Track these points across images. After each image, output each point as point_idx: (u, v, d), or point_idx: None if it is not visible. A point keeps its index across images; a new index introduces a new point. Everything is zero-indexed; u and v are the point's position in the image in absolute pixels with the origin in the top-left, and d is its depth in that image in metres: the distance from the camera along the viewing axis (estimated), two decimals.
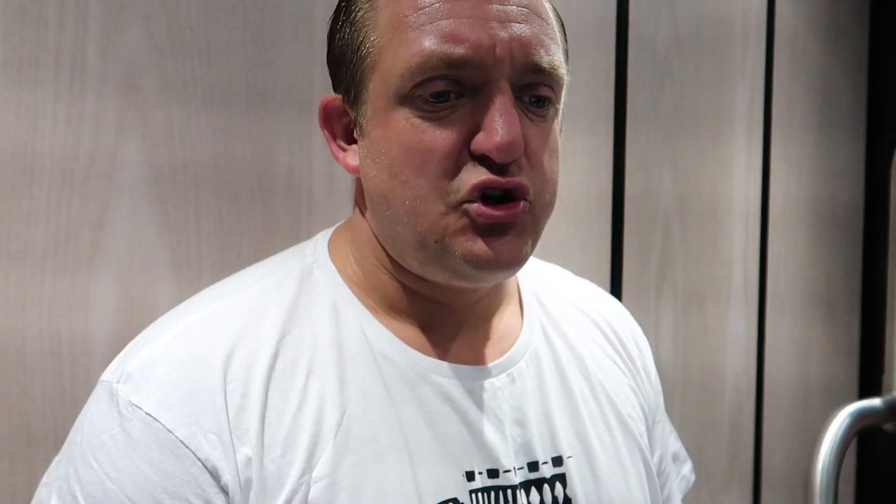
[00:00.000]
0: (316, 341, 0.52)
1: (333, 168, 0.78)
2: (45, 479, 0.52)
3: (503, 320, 0.58)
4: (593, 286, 0.69)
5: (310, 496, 0.48)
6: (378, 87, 0.48)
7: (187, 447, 0.47)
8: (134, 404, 0.48)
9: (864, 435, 1.00)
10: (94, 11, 0.65)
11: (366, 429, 0.50)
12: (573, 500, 0.54)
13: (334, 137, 0.53)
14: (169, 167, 0.69)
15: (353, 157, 0.52)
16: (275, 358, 0.50)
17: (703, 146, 1.15)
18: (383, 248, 0.54)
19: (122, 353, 0.53)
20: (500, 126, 0.45)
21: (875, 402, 1.02)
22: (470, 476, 0.51)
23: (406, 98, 0.47)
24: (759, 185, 1.23)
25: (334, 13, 0.53)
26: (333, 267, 0.55)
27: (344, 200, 0.80)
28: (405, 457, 0.50)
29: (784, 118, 1.26)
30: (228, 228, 0.72)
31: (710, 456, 1.17)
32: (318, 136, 0.77)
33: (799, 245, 1.31)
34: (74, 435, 0.51)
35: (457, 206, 0.48)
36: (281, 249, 0.62)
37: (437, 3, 0.46)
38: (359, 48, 0.49)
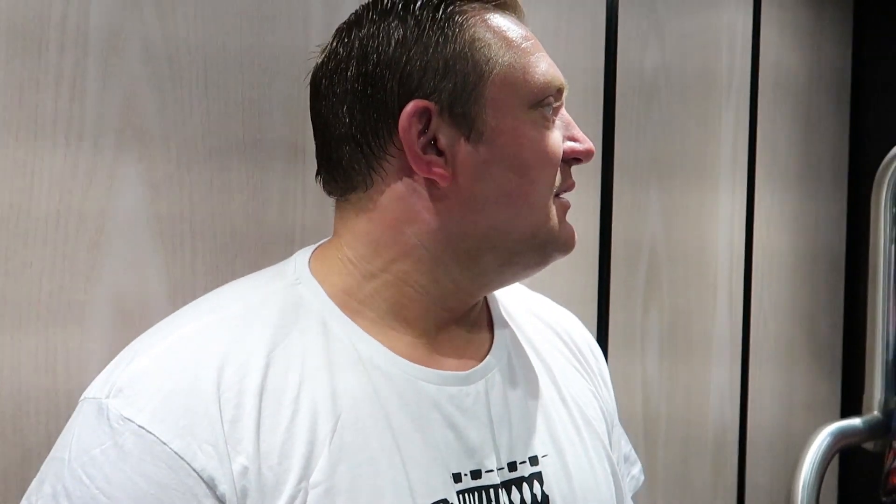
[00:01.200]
0: (305, 354, 0.53)
1: (325, 212, 0.77)
2: (28, 498, 0.51)
3: (480, 329, 0.61)
4: (546, 298, 0.72)
5: (308, 501, 0.49)
6: (505, 97, 0.53)
7: (182, 458, 0.48)
8: (126, 418, 0.49)
9: (846, 453, 1.02)
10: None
11: (359, 435, 0.51)
12: (550, 497, 0.56)
13: (411, 146, 0.53)
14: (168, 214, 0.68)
15: (436, 166, 0.53)
16: (266, 369, 0.51)
17: (690, 193, 1.16)
18: (426, 257, 0.55)
19: (105, 371, 0.53)
20: (583, 137, 0.57)
21: (855, 421, 1.04)
22: (457, 477, 0.53)
23: (534, 108, 0.54)
24: (742, 235, 1.25)
25: (398, 21, 0.53)
26: (318, 284, 0.56)
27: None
28: (398, 460, 0.52)
29: (767, 169, 1.29)
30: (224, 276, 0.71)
31: (694, 475, 1.18)
32: (311, 183, 0.75)
33: (782, 292, 1.33)
34: (59, 453, 0.51)
35: (555, 198, 0.57)
36: None
37: (528, 38, 0.56)
38: (473, 60, 0.53)
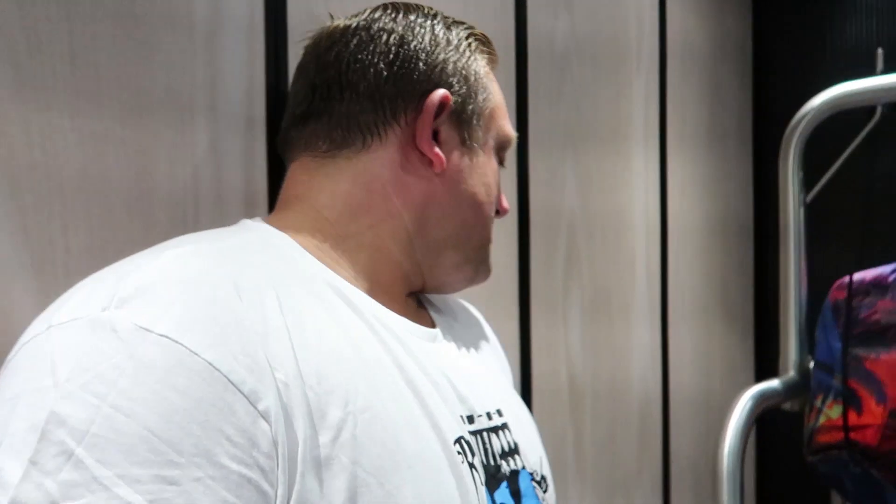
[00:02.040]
0: (303, 292, 0.49)
1: (222, 174, 0.70)
2: None
3: (419, 307, 0.63)
4: None
5: (356, 431, 0.44)
6: (490, 129, 0.61)
7: (218, 370, 0.40)
8: (142, 327, 0.40)
9: (762, 415, 1.03)
10: None
11: (379, 370, 0.49)
12: (518, 445, 0.59)
13: (426, 125, 0.57)
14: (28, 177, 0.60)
15: (436, 150, 0.57)
16: (276, 292, 0.46)
17: (604, 162, 1.16)
18: (402, 229, 0.57)
19: (76, 296, 0.43)
20: (504, 199, 0.65)
21: (774, 383, 1.04)
22: (462, 419, 0.54)
23: (497, 152, 0.63)
24: (657, 201, 1.26)
25: (443, 26, 0.60)
26: (290, 239, 0.53)
27: (235, 208, 0.72)
28: (413, 395, 0.50)
29: (678, 136, 1.30)
30: (101, 244, 0.63)
31: (620, 436, 1.17)
32: (203, 141, 0.70)
33: (695, 254, 1.35)
34: (32, 384, 0.39)
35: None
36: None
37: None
38: (483, 87, 0.60)
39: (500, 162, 0.63)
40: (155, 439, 0.37)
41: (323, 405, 0.44)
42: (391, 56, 0.56)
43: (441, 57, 0.58)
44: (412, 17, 0.59)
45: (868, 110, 1.17)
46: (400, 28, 0.58)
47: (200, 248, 0.47)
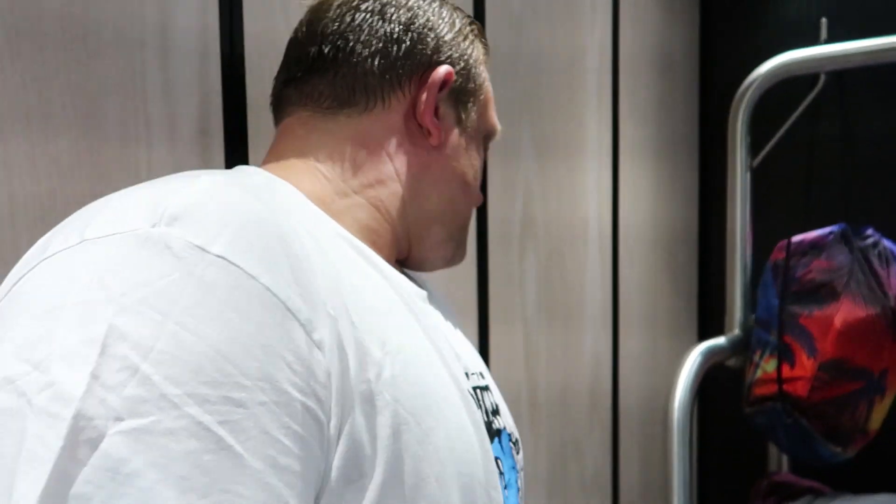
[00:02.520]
0: (318, 238, 0.48)
1: (175, 109, 0.70)
2: (19, 380, 0.35)
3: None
4: None
5: (394, 370, 0.45)
6: (480, 116, 0.62)
7: (276, 296, 0.39)
8: (197, 246, 0.38)
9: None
10: None
11: (400, 315, 0.50)
12: (498, 406, 0.60)
13: (430, 96, 0.58)
14: None
15: (438, 125, 0.59)
16: (302, 235, 0.45)
17: (560, 173, 1.18)
18: (398, 194, 0.58)
19: (116, 210, 0.41)
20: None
21: (720, 340, 1.10)
22: (465, 375, 0.55)
23: (483, 140, 0.64)
24: (609, 210, 1.29)
25: (448, 9, 0.61)
26: (293, 186, 0.52)
27: (190, 145, 0.72)
28: (431, 345, 0.51)
29: (628, 69, 1.33)
30: (46, 176, 0.62)
31: (572, 405, 1.22)
32: (153, 76, 0.68)
33: (643, 188, 1.39)
34: (76, 294, 0.37)
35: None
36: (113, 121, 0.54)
37: None
38: (480, 71, 0.62)
39: (485, 151, 0.65)
40: (222, 360, 0.36)
41: (366, 343, 0.44)
42: (402, 26, 0.58)
43: (448, 37, 0.59)
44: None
45: (812, 78, 1.22)
46: (411, 2, 0.59)
47: (232, 181, 0.45)
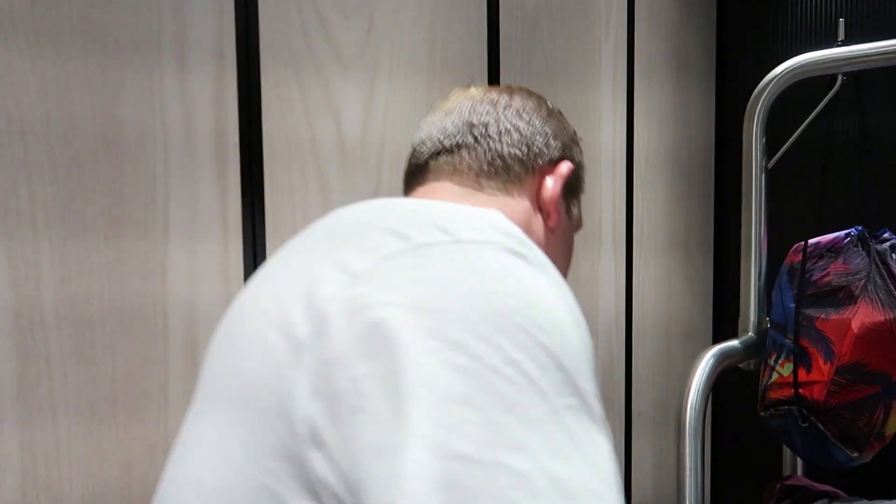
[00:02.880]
0: None
1: (192, 118, 0.70)
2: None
3: None
4: None
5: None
6: (578, 211, 0.71)
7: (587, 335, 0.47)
8: (553, 273, 0.47)
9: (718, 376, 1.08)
10: None
11: None
12: None
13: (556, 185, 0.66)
14: None
15: (559, 209, 0.67)
16: None
17: (573, 98, 1.17)
18: None
19: (466, 222, 0.48)
20: None
21: (734, 343, 1.09)
22: None
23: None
24: (624, 135, 1.28)
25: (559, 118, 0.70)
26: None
27: (206, 157, 0.72)
28: None
29: (645, 72, 1.32)
30: (69, 194, 0.63)
31: None
32: (171, 81, 0.69)
33: (659, 192, 1.38)
34: (494, 285, 0.43)
35: None
36: (135, 215, 0.54)
37: None
38: (583, 174, 0.72)
39: None
40: (591, 362, 0.44)
41: None
42: (541, 120, 0.67)
43: (567, 140, 0.69)
44: (549, 105, 0.71)
45: (829, 79, 1.20)
46: (545, 106, 0.70)
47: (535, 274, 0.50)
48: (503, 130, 0.65)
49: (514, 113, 0.67)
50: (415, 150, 0.68)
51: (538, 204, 0.65)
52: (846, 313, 0.98)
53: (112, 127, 0.68)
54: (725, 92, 1.50)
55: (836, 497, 1.08)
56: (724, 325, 1.50)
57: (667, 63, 1.39)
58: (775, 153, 1.19)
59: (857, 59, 1.09)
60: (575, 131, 0.72)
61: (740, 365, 1.11)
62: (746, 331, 1.12)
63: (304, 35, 0.84)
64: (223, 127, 0.76)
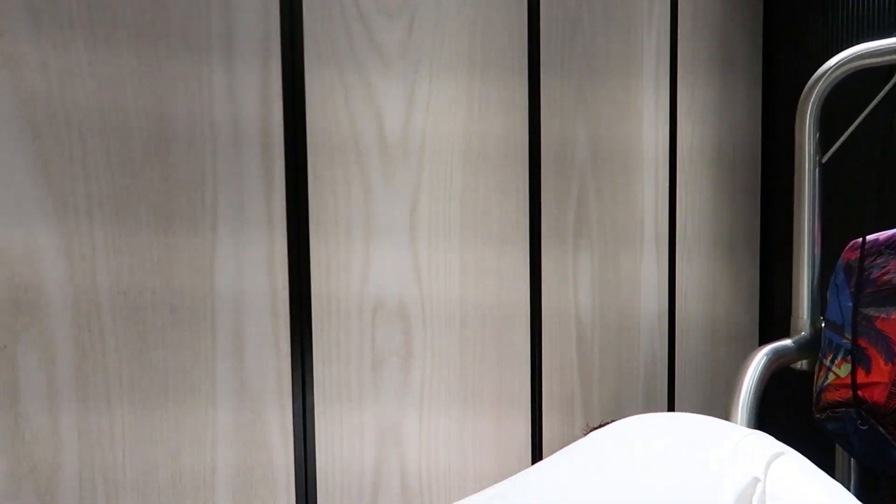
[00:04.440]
0: None
1: (239, 115, 0.71)
2: None
3: None
4: None
5: None
6: None
7: None
8: None
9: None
10: None
11: None
12: None
13: None
14: (48, 121, 0.60)
15: None
16: None
17: (615, 95, 1.16)
18: None
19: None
20: None
21: (787, 342, 1.06)
22: None
23: None
24: (667, 132, 1.25)
25: None
26: None
27: (253, 154, 0.73)
28: None
29: (688, 67, 1.29)
30: (123, 191, 0.64)
31: (626, 399, 1.19)
32: (219, 80, 0.70)
33: (704, 190, 1.35)
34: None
35: None
36: (185, 212, 0.54)
37: None
38: None
39: None
40: None
41: None
42: None
43: None
44: None
45: (887, 70, 1.16)
46: None
47: None
48: None
49: None
50: None
51: None
52: None
53: (163, 125, 0.69)
54: (773, 86, 1.46)
55: None
56: (770, 326, 1.46)
57: (711, 58, 1.36)
58: (828, 147, 1.15)
59: None
60: None
61: (793, 365, 1.08)
62: (799, 330, 1.09)
63: (347, 34, 0.84)
64: (268, 125, 0.77)
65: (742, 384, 0.94)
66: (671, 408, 1.29)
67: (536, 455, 1.05)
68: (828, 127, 1.15)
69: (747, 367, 0.97)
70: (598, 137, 1.14)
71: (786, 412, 1.44)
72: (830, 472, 1.28)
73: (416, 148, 0.92)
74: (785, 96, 1.27)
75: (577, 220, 1.11)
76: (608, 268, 1.16)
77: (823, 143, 1.14)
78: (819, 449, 1.30)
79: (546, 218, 1.06)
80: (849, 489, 1.02)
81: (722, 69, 1.38)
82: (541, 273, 1.05)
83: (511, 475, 0.64)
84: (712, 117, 1.36)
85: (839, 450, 1.23)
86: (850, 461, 1.23)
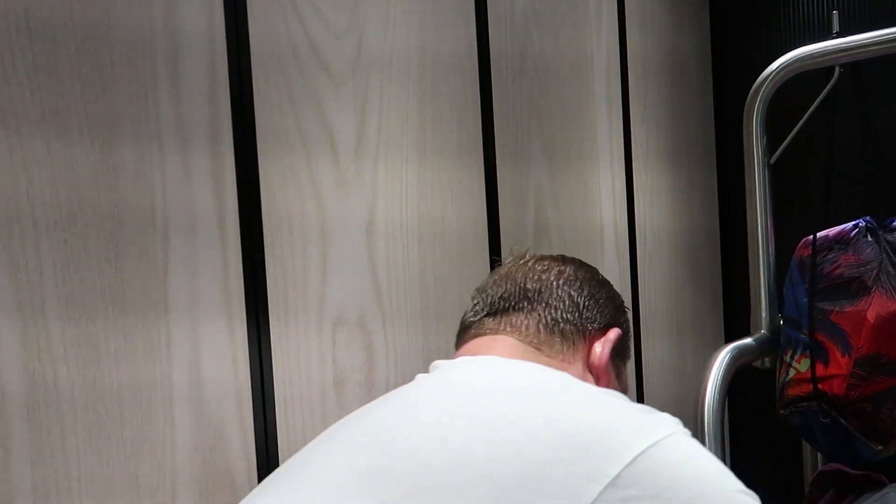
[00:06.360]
0: None
1: (193, 195, 0.72)
2: None
3: None
4: None
5: None
6: (623, 368, 0.75)
7: None
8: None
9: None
10: None
11: None
12: None
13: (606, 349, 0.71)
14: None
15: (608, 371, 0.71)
16: None
17: (571, 179, 1.18)
18: None
19: (645, 422, 0.56)
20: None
21: (748, 340, 1.08)
22: None
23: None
24: (625, 214, 1.28)
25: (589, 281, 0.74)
26: None
27: (208, 232, 0.74)
28: None
29: (638, 74, 1.32)
30: (76, 270, 0.65)
31: None
32: (171, 165, 0.72)
33: (661, 192, 1.37)
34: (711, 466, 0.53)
35: None
36: (134, 284, 0.57)
37: None
38: (629, 338, 0.76)
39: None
40: None
41: None
42: (588, 296, 0.71)
43: (616, 308, 0.74)
44: (600, 276, 0.76)
45: (826, 72, 1.20)
46: (597, 276, 0.74)
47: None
48: (556, 297, 0.70)
49: (566, 281, 0.71)
50: (467, 312, 0.72)
51: (588, 367, 0.69)
52: (861, 304, 0.96)
53: (117, 208, 0.69)
54: (723, 89, 1.50)
55: (880, 482, 1.05)
56: (736, 325, 1.48)
57: (661, 63, 1.39)
58: (778, 149, 1.18)
59: (853, 50, 1.09)
60: (623, 300, 0.76)
61: (755, 363, 1.09)
62: (759, 328, 1.11)
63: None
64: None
65: (707, 385, 0.96)
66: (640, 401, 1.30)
67: None
68: (778, 129, 1.18)
69: (711, 368, 0.98)
70: (552, 141, 1.15)
71: (755, 412, 1.47)
72: (799, 467, 1.30)
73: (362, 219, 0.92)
74: (736, 100, 1.30)
75: (536, 227, 1.11)
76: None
77: (773, 145, 1.17)
78: (788, 445, 1.32)
79: (504, 228, 1.06)
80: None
81: (672, 75, 1.41)
82: None
83: None
84: (666, 121, 1.39)
85: (807, 447, 1.26)
86: (816, 455, 1.25)
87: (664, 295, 1.37)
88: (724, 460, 0.96)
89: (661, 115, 1.38)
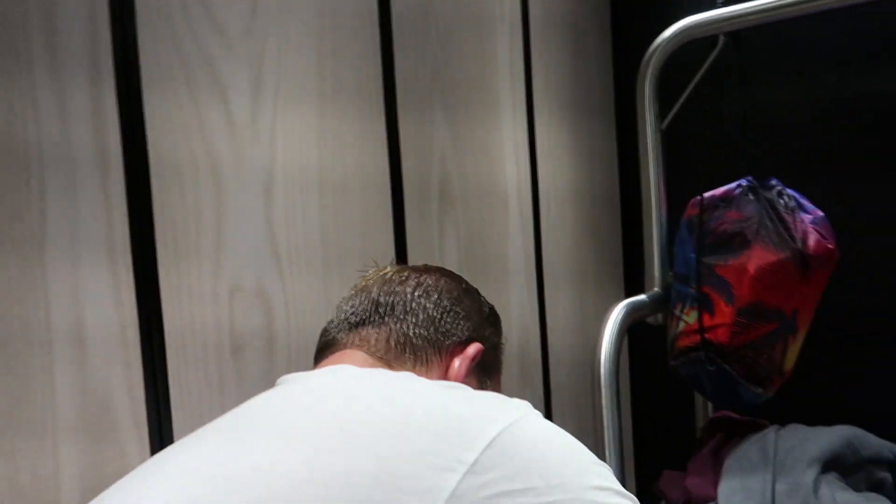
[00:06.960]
0: None
1: (68, 126, 0.67)
2: None
3: None
4: None
5: None
6: (492, 384, 0.73)
7: None
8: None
9: (631, 332, 1.11)
10: None
11: None
12: None
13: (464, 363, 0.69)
14: None
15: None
16: None
17: (475, 132, 1.19)
18: None
19: (500, 406, 0.55)
20: None
21: (641, 297, 1.12)
22: None
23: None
24: (528, 170, 1.30)
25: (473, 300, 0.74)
26: None
27: (85, 166, 0.69)
28: None
29: (544, 110, 1.35)
30: None
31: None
32: (45, 100, 0.66)
33: (562, 151, 1.41)
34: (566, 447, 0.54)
35: None
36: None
37: None
38: (498, 350, 0.76)
39: None
40: None
41: None
42: (451, 300, 0.70)
43: (479, 321, 0.72)
44: (465, 285, 0.74)
45: (711, 41, 1.26)
46: (460, 286, 0.72)
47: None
48: (409, 310, 0.68)
49: (424, 293, 0.69)
50: (325, 329, 0.70)
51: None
52: (742, 257, 1.02)
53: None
54: (621, 55, 1.55)
55: (763, 426, 1.12)
56: (636, 280, 1.55)
57: (562, 26, 1.42)
58: (667, 115, 1.24)
59: (734, 19, 1.14)
60: (491, 310, 0.75)
61: (648, 319, 1.14)
62: (652, 285, 1.16)
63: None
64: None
65: (603, 338, 1.00)
66: (545, 365, 1.33)
67: None
68: (670, 96, 1.23)
69: (606, 322, 1.02)
70: (454, 101, 1.15)
71: (652, 369, 1.54)
72: (691, 416, 1.37)
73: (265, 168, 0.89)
74: (634, 65, 1.35)
75: (441, 182, 1.12)
76: (474, 227, 1.18)
77: (665, 112, 1.22)
78: (682, 397, 1.39)
79: (408, 183, 1.06)
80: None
81: (573, 38, 1.44)
82: (405, 236, 1.04)
83: None
84: (567, 82, 1.42)
85: (699, 396, 1.33)
86: (706, 405, 1.32)
87: (567, 250, 1.41)
88: (619, 411, 1.01)
89: (563, 75, 1.41)
